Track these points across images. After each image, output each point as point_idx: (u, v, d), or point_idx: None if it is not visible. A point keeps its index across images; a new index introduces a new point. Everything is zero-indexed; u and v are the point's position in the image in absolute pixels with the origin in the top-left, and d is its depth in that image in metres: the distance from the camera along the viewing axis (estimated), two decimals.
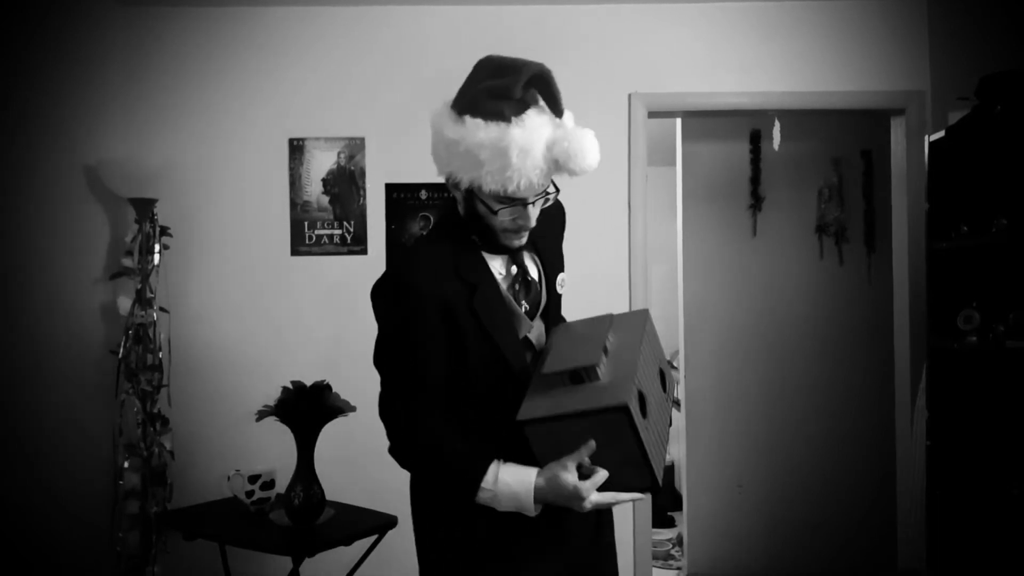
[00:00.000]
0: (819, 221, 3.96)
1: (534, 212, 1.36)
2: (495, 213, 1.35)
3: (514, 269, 1.44)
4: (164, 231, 3.10)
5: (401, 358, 1.38)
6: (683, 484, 4.02)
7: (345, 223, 3.25)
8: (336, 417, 2.46)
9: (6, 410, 2.57)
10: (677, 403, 4.07)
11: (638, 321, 1.42)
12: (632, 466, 1.26)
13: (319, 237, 3.25)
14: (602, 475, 1.26)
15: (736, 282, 3.97)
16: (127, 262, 3.03)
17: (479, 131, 1.29)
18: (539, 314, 1.48)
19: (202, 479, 3.09)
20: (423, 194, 3.24)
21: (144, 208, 3.01)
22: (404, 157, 3.24)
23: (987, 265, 2.60)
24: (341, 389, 2.52)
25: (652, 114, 3.30)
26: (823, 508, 3.87)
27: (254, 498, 2.61)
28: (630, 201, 3.24)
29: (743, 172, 3.98)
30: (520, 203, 1.33)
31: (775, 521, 3.90)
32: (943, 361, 2.66)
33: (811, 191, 3.97)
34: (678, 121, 4.00)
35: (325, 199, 3.25)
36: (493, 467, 1.30)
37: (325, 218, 3.25)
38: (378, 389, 1.47)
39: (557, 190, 1.39)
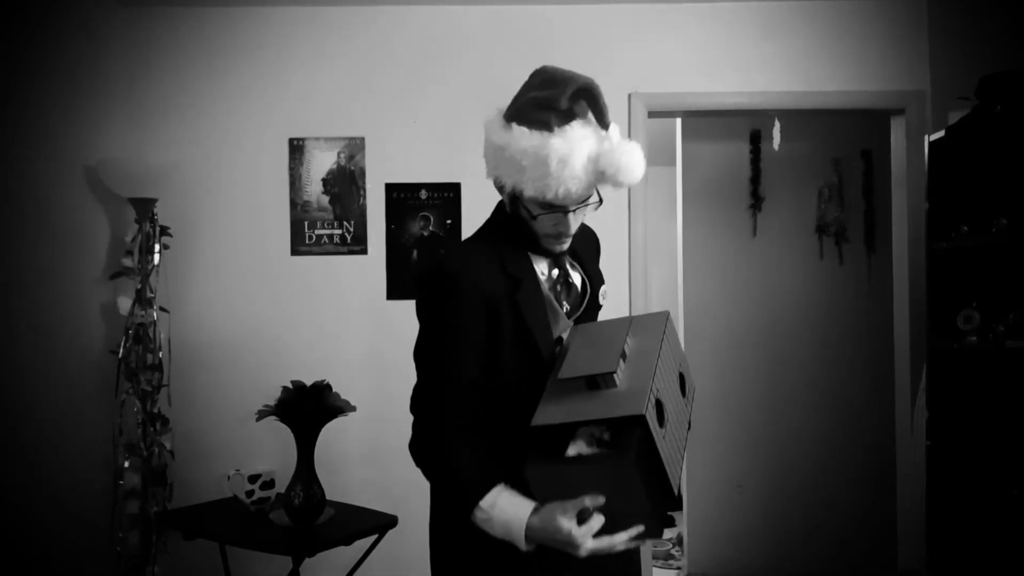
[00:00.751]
0: (819, 221, 3.96)
1: (575, 220, 1.40)
2: (535, 218, 1.39)
3: (556, 272, 1.48)
4: (164, 231, 3.10)
5: (437, 355, 1.40)
6: (683, 484, 4.02)
7: (345, 223, 3.25)
8: (336, 417, 2.46)
9: (6, 410, 2.57)
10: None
11: (658, 323, 1.40)
12: (655, 470, 1.24)
13: (319, 237, 3.25)
14: (598, 522, 1.23)
15: (736, 282, 3.97)
16: (127, 262, 3.03)
17: (523, 139, 1.33)
18: (575, 317, 1.50)
19: (202, 479, 3.09)
20: (423, 194, 3.24)
21: (144, 208, 3.01)
22: (404, 157, 3.24)
23: (987, 265, 2.60)
24: (341, 389, 2.52)
25: (652, 114, 3.30)
26: (823, 508, 3.87)
27: (254, 498, 2.61)
28: (630, 201, 3.24)
29: (743, 172, 3.98)
30: (560, 210, 1.37)
31: (775, 521, 3.90)
32: (943, 361, 2.66)
33: (811, 191, 3.97)
34: (678, 121, 4.00)
35: (325, 199, 3.25)
36: (495, 491, 1.30)
37: (325, 218, 3.25)
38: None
39: (600, 200, 1.42)
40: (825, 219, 3.95)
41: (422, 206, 3.24)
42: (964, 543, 2.53)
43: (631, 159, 1.33)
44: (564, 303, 1.47)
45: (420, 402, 1.42)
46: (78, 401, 2.93)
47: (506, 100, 1.42)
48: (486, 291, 1.37)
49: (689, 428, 1.42)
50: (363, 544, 2.56)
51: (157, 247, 3.06)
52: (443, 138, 3.24)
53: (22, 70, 2.69)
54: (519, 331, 1.38)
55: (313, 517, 2.43)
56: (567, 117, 1.34)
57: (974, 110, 2.52)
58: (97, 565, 2.99)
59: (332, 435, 2.57)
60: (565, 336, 1.45)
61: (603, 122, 1.37)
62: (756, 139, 3.94)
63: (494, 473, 1.32)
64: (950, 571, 2.58)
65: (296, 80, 3.25)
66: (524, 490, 1.30)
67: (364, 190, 3.25)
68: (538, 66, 1.50)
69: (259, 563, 2.70)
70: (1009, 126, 2.41)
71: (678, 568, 4.09)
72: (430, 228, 3.24)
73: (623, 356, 1.30)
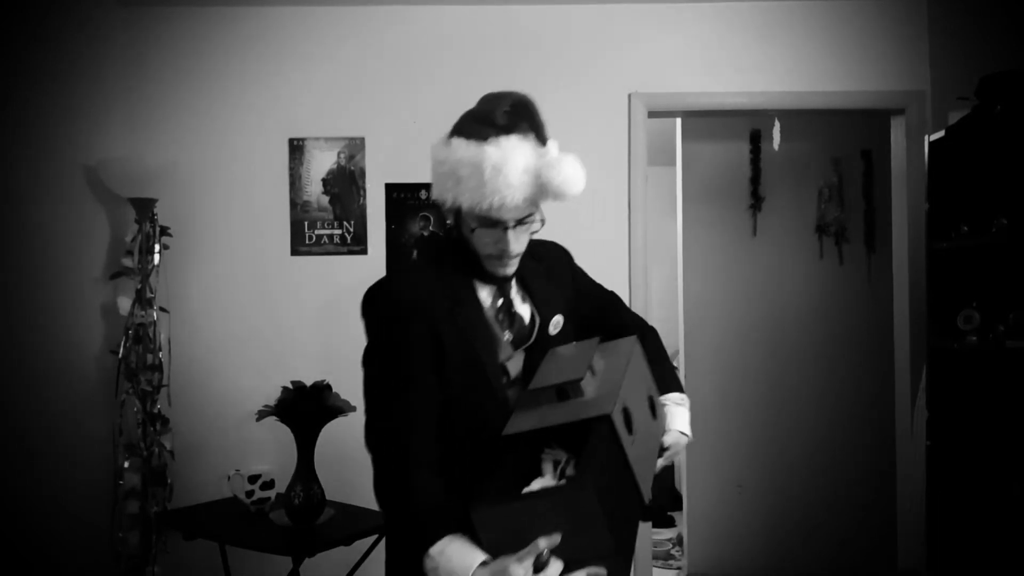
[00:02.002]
0: (819, 221, 3.96)
1: (515, 238, 1.36)
2: (473, 232, 1.37)
3: (500, 300, 1.44)
4: (164, 231, 3.10)
5: (390, 386, 1.36)
6: (683, 484, 4.02)
7: (345, 223, 3.25)
8: (336, 417, 2.46)
9: (6, 410, 2.57)
10: None
11: (626, 346, 1.41)
12: (622, 486, 1.21)
13: (319, 237, 3.25)
14: (556, 569, 1.14)
15: (736, 282, 3.97)
16: (127, 262, 3.03)
17: (460, 149, 1.34)
18: (525, 347, 1.45)
19: (202, 479, 3.09)
20: (423, 194, 3.24)
21: (144, 208, 3.01)
22: (404, 157, 3.24)
23: (987, 265, 2.60)
24: (341, 389, 2.52)
25: (652, 114, 3.30)
26: (823, 508, 3.87)
27: (254, 498, 2.61)
28: (630, 201, 3.24)
29: (743, 172, 3.98)
30: (500, 226, 1.34)
31: (775, 521, 3.90)
32: (943, 361, 2.66)
33: (811, 191, 3.97)
34: (678, 121, 4.00)
35: (325, 199, 3.25)
36: (447, 538, 1.23)
37: (325, 218, 3.25)
38: None
39: (542, 221, 1.39)
40: (825, 219, 3.95)
41: (422, 206, 3.24)
42: (964, 543, 2.53)
43: (569, 170, 1.31)
44: (507, 332, 1.43)
45: (376, 440, 1.37)
46: (78, 401, 2.93)
47: None
48: (427, 310, 1.36)
49: (661, 452, 1.42)
50: (363, 544, 2.56)
51: (157, 247, 3.06)
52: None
53: (22, 70, 2.69)
54: (462, 350, 1.36)
55: (313, 517, 2.43)
56: (504, 131, 1.33)
57: (974, 110, 2.52)
58: (97, 565, 2.99)
59: (332, 435, 2.57)
60: (510, 365, 1.43)
61: (541, 137, 1.36)
62: (756, 139, 3.94)
63: (451, 517, 1.25)
64: (950, 571, 2.58)
65: (296, 80, 3.25)
66: (497, 475, 1.26)
67: (364, 190, 3.25)
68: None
69: (259, 563, 2.70)
70: (1009, 126, 2.41)
71: (678, 568, 4.09)
72: (430, 228, 3.24)
73: (591, 370, 1.30)
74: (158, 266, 3.06)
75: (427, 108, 3.26)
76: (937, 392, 2.67)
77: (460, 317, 1.37)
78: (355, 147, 3.25)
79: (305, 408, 2.41)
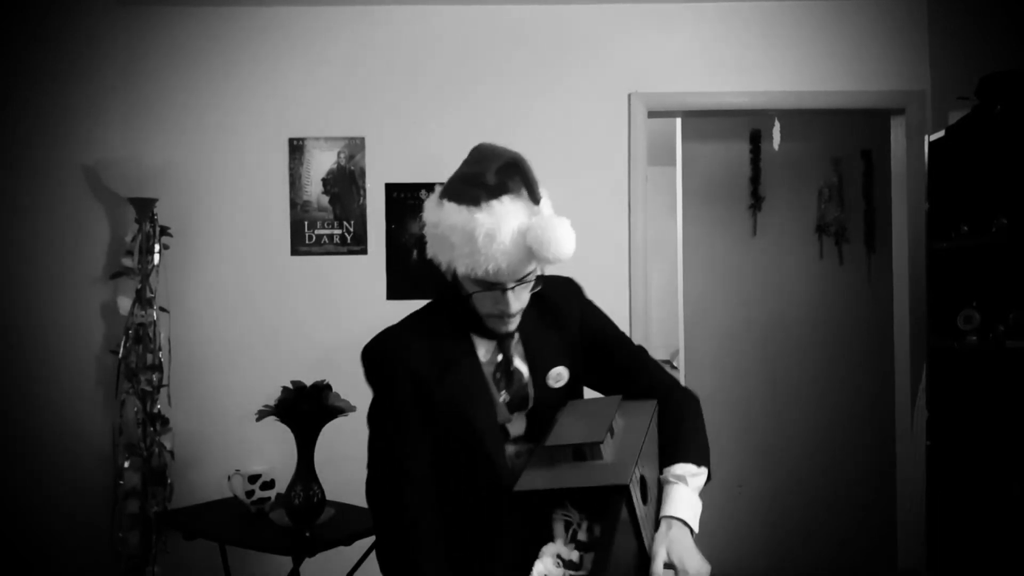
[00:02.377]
0: (819, 221, 3.96)
1: (515, 298, 1.34)
2: (470, 296, 1.35)
3: (499, 357, 1.41)
4: (164, 231, 3.10)
5: (385, 446, 1.38)
6: None
7: (345, 223, 3.25)
8: (336, 417, 2.46)
9: (6, 410, 2.57)
10: None
11: (646, 409, 1.38)
12: (630, 552, 1.18)
13: (319, 237, 3.25)
14: None
15: (736, 282, 3.97)
16: (127, 262, 3.03)
17: (452, 215, 1.31)
18: (525, 410, 1.43)
19: (202, 479, 3.09)
20: (423, 194, 3.23)
21: (144, 208, 3.01)
22: (404, 157, 3.24)
23: (987, 265, 2.60)
24: (341, 389, 2.52)
25: (652, 114, 3.29)
26: (823, 508, 3.87)
27: (254, 498, 2.61)
28: (630, 201, 3.24)
29: (743, 172, 3.98)
30: (498, 287, 1.32)
31: (775, 521, 3.90)
32: (943, 361, 2.65)
33: (811, 191, 3.97)
34: (678, 121, 3.99)
35: (325, 199, 3.25)
36: None
37: (325, 218, 3.25)
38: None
39: (539, 281, 1.37)
40: (825, 219, 3.95)
41: (422, 206, 3.22)
42: (964, 543, 2.53)
43: (558, 234, 1.27)
44: (503, 392, 1.40)
45: (378, 498, 1.39)
46: (78, 401, 2.93)
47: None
48: (414, 371, 1.35)
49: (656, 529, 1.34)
50: (363, 544, 2.56)
51: (157, 247, 3.06)
52: (443, 138, 3.24)
53: (22, 70, 2.69)
54: (454, 414, 1.35)
55: (313, 517, 2.43)
56: (496, 192, 1.30)
57: (974, 110, 2.52)
58: (97, 565, 2.99)
59: (332, 435, 2.57)
60: (510, 427, 1.41)
61: (534, 196, 1.33)
62: (756, 139, 3.94)
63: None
64: (950, 571, 2.58)
65: (296, 80, 3.25)
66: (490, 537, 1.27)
67: (364, 190, 3.25)
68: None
69: (259, 563, 2.71)
70: (1009, 126, 2.41)
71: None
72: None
73: (611, 431, 1.28)
74: (158, 266, 3.06)
75: (427, 108, 3.26)
76: (937, 392, 2.67)
77: (449, 382, 1.35)
78: (355, 147, 3.25)
79: (305, 408, 2.41)
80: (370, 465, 1.40)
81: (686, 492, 1.30)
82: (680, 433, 1.37)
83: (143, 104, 3.23)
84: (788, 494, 3.90)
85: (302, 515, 2.41)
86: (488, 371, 1.40)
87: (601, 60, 3.26)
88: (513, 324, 1.38)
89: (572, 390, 1.46)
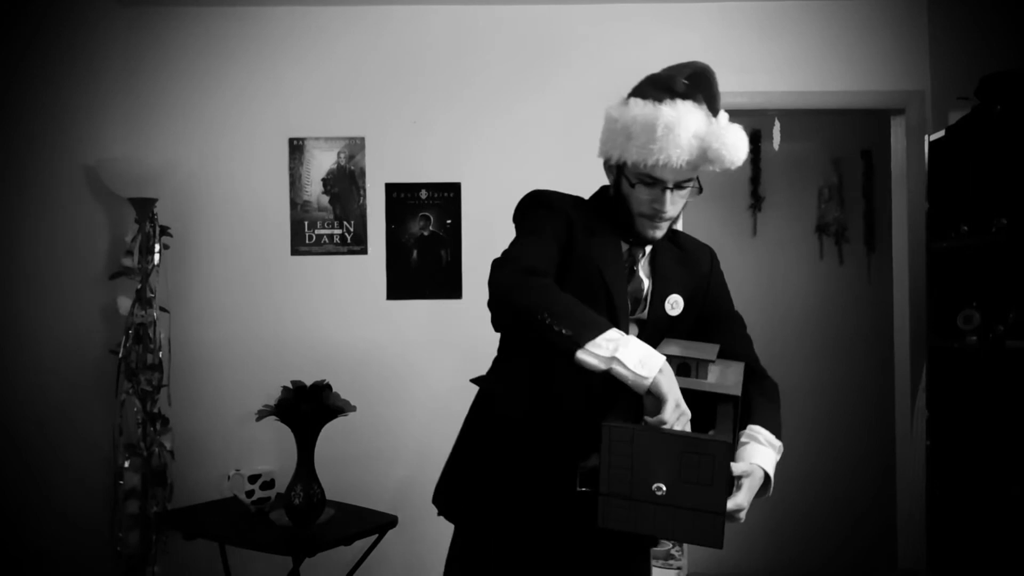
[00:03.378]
0: (819, 221, 3.96)
1: (671, 200, 1.41)
2: (634, 187, 1.41)
3: (627, 260, 1.49)
4: (164, 231, 3.10)
5: (520, 249, 1.40)
6: None
7: (345, 223, 3.25)
8: (336, 417, 2.46)
9: (6, 410, 2.56)
10: None
11: (739, 367, 1.42)
12: (714, 489, 1.17)
13: (319, 237, 3.25)
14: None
15: (736, 282, 3.91)
16: (127, 262, 3.03)
17: (636, 108, 1.40)
18: (637, 314, 1.48)
19: (202, 479, 3.09)
20: (423, 194, 3.24)
21: (144, 208, 3.01)
22: (404, 157, 3.24)
23: (987, 265, 2.60)
24: (341, 389, 2.52)
25: None
26: (823, 508, 3.87)
27: (254, 498, 2.61)
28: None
29: (743, 172, 3.98)
30: (659, 186, 1.39)
31: (775, 521, 3.90)
32: (943, 361, 2.65)
33: (811, 191, 3.97)
34: None
35: (325, 199, 3.25)
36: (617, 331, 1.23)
37: (325, 218, 3.25)
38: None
39: (700, 189, 1.45)
40: (825, 219, 3.95)
41: (422, 206, 3.24)
42: (964, 543, 2.53)
43: (736, 138, 1.36)
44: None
45: (502, 280, 1.34)
46: (78, 401, 2.93)
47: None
48: (570, 216, 1.44)
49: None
50: (363, 544, 2.57)
51: (157, 247, 3.06)
52: (443, 138, 3.24)
53: (22, 70, 2.68)
54: (588, 269, 1.41)
55: (313, 517, 2.43)
56: (681, 96, 1.38)
57: (974, 110, 2.52)
58: (97, 565, 2.99)
59: (332, 435, 2.57)
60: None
61: (714, 107, 1.40)
62: (756, 139, 3.94)
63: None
64: (950, 571, 2.58)
65: (296, 80, 3.25)
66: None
67: (364, 190, 3.25)
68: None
69: (259, 563, 2.71)
70: (1009, 126, 2.41)
71: (678, 568, 4.09)
72: (430, 228, 3.24)
73: (714, 363, 1.32)
74: (158, 266, 3.06)
75: (427, 108, 3.26)
76: (937, 392, 2.67)
77: (595, 244, 1.43)
78: (355, 147, 3.25)
79: (305, 408, 2.41)
80: (497, 265, 1.37)
81: (772, 457, 1.36)
82: (773, 411, 1.43)
83: (143, 104, 3.23)
84: (788, 494, 3.88)
85: (302, 515, 2.41)
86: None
87: (601, 60, 3.26)
88: (662, 230, 1.45)
89: (681, 326, 1.51)
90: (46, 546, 2.70)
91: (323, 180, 3.25)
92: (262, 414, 2.43)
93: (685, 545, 4.01)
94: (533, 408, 1.45)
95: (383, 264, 3.23)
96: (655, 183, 1.39)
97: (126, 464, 2.97)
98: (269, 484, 2.65)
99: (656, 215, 1.42)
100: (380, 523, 2.58)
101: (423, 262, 3.23)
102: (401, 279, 3.23)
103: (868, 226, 3.93)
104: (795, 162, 3.93)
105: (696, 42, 3.27)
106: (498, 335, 1.56)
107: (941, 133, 2.67)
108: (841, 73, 3.26)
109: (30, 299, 2.70)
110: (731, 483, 1.25)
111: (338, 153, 3.25)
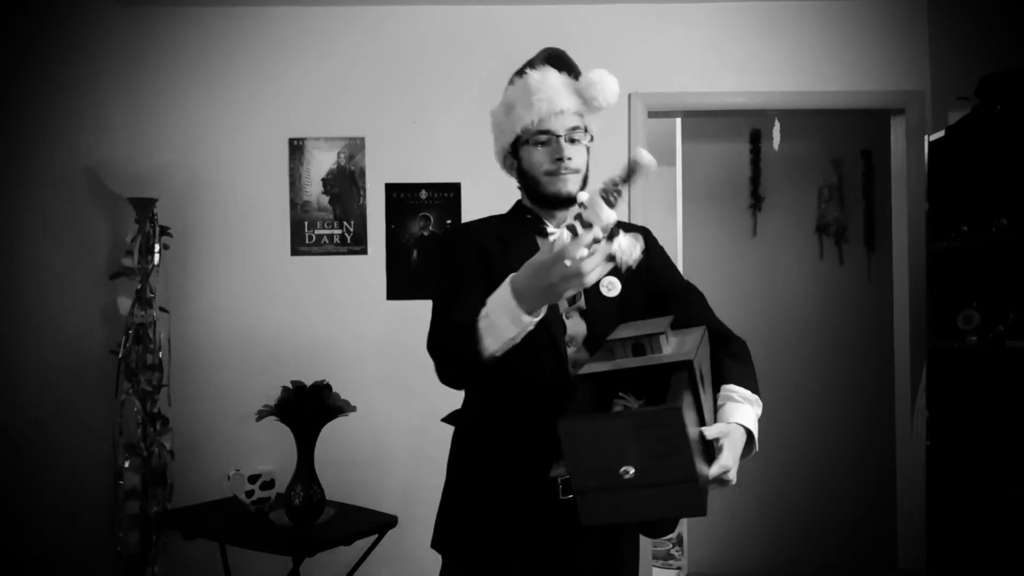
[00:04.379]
0: (819, 221, 3.96)
1: (569, 149, 1.48)
2: (535, 147, 1.49)
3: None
4: (164, 231, 3.10)
5: (441, 292, 1.47)
6: None
7: (345, 223, 3.25)
8: (336, 417, 2.46)
9: (6, 410, 2.56)
10: None
11: (697, 332, 1.42)
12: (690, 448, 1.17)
13: (319, 237, 3.25)
14: (590, 236, 1.13)
15: (736, 282, 3.97)
16: (127, 262, 3.03)
17: (509, 89, 1.55)
18: (575, 305, 1.48)
19: (202, 479, 3.09)
20: (423, 194, 3.24)
21: (144, 208, 3.01)
22: (404, 157, 3.24)
23: (987, 265, 2.60)
24: (341, 389, 2.52)
25: (652, 114, 3.30)
26: (823, 508, 3.87)
27: (254, 498, 2.61)
28: (630, 201, 3.24)
29: (743, 172, 3.98)
30: (553, 139, 1.48)
31: (775, 521, 3.90)
32: (943, 361, 2.66)
33: (811, 191, 3.97)
34: (678, 121, 3.99)
35: (325, 199, 3.25)
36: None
37: (325, 218, 3.25)
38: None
39: (591, 138, 1.54)
40: (825, 219, 3.95)
41: (422, 206, 3.24)
42: (964, 543, 2.53)
43: (603, 74, 1.50)
44: None
45: (438, 330, 1.43)
46: (78, 401, 2.93)
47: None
48: (481, 243, 1.48)
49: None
50: (363, 544, 2.57)
51: (157, 247, 3.06)
52: (443, 138, 3.24)
53: (22, 70, 2.68)
54: (508, 271, 1.36)
55: (313, 517, 2.43)
56: (542, 66, 1.53)
57: (974, 110, 2.52)
58: (97, 565, 2.99)
59: (332, 435, 2.57)
60: (569, 324, 1.47)
61: (574, 74, 1.54)
62: (756, 139, 3.94)
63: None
64: (950, 571, 2.58)
65: (296, 80, 3.25)
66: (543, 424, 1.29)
67: (364, 190, 3.25)
68: None
69: (259, 563, 2.71)
70: (1009, 126, 2.41)
71: (678, 568, 4.09)
72: (430, 228, 3.23)
73: (665, 336, 1.31)
74: (158, 266, 3.06)
75: (427, 108, 3.26)
76: (937, 392, 2.67)
77: (512, 257, 1.43)
78: (355, 147, 3.25)
79: (305, 408, 2.41)
80: (433, 320, 1.46)
81: (751, 412, 1.36)
82: (745, 369, 1.45)
83: (143, 104, 3.23)
84: (788, 494, 3.90)
85: (302, 515, 2.41)
86: None
87: (601, 60, 3.23)
88: (570, 182, 1.50)
89: (632, 311, 1.50)
90: (46, 546, 2.70)
91: (323, 180, 3.25)
92: (262, 414, 2.43)
93: (685, 545, 4.02)
94: (502, 433, 1.46)
95: (383, 264, 3.23)
96: (548, 138, 1.48)
97: (126, 464, 2.97)
98: (269, 484, 2.65)
99: (558, 167, 1.48)
100: (380, 523, 2.58)
101: (423, 262, 3.22)
102: (401, 279, 3.22)
103: (868, 226, 3.93)
104: (795, 162, 3.93)
105: (696, 42, 3.28)
106: None
107: (941, 133, 2.67)
108: (841, 73, 3.27)
109: (30, 299, 2.70)
110: (708, 448, 1.25)
111: (338, 153, 3.25)
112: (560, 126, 1.48)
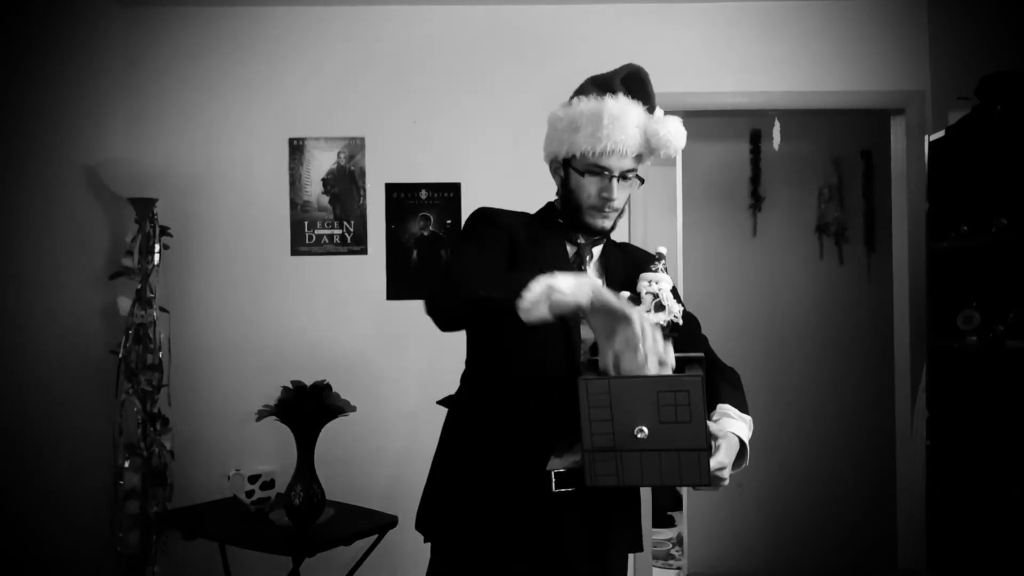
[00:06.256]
0: (819, 221, 3.96)
1: (619, 189, 1.49)
2: (583, 176, 1.48)
3: (576, 261, 1.54)
4: (164, 231, 3.10)
5: (461, 257, 1.47)
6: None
7: (345, 223, 3.25)
8: (336, 417, 2.46)
9: (6, 410, 2.56)
10: None
11: (696, 358, 1.42)
12: (693, 440, 1.19)
13: (319, 237, 3.25)
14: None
15: (736, 282, 3.97)
16: (127, 262, 3.03)
17: (582, 104, 1.50)
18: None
19: (202, 479, 3.09)
20: (423, 194, 3.24)
21: (144, 208, 3.01)
22: (404, 157, 3.24)
23: (987, 265, 2.60)
24: (341, 389, 2.52)
25: None
26: (823, 508, 3.87)
27: (254, 498, 2.61)
28: (630, 201, 3.23)
29: (743, 172, 3.98)
30: (607, 176, 1.47)
31: (775, 521, 3.90)
32: (943, 361, 2.65)
33: (811, 191, 3.97)
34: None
35: (325, 199, 3.25)
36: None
37: (325, 218, 3.25)
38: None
39: (641, 181, 1.53)
40: (825, 219, 3.95)
41: (422, 206, 3.24)
42: (964, 543, 2.53)
43: (675, 126, 1.49)
44: None
45: (439, 289, 1.38)
46: (78, 401, 2.93)
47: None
48: (512, 234, 1.48)
49: None
50: (363, 544, 2.57)
51: (157, 247, 3.06)
52: (443, 138, 3.24)
53: (22, 70, 2.68)
54: (533, 269, 1.38)
55: (313, 517, 2.43)
56: (623, 91, 1.50)
57: (974, 110, 2.52)
58: (97, 565, 2.99)
59: (332, 435, 2.57)
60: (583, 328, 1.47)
61: (650, 105, 1.52)
62: (756, 139, 3.94)
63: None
64: (950, 571, 2.58)
65: (296, 80, 3.25)
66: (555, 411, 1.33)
67: (364, 190, 3.25)
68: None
69: (259, 563, 2.70)
70: (1009, 126, 2.41)
71: (678, 568, 4.09)
72: (430, 228, 3.24)
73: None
74: (158, 266, 3.06)
75: (427, 108, 3.26)
76: (937, 392, 2.67)
77: (538, 254, 1.47)
78: (355, 147, 3.25)
79: (305, 408, 2.41)
80: (453, 259, 1.51)
81: (744, 427, 1.44)
82: (739, 394, 1.54)
83: (143, 104, 3.23)
84: (788, 494, 3.90)
85: (302, 515, 2.41)
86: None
87: (601, 60, 3.23)
88: (610, 220, 1.52)
89: None
90: (46, 546, 2.70)
91: (323, 180, 3.25)
92: (262, 414, 2.43)
93: (685, 545, 4.02)
94: (511, 415, 1.46)
95: (383, 264, 3.23)
96: (602, 173, 1.47)
97: (126, 464, 2.97)
98: (269, 484, 2.65)
99: (604, 204, 1.49)
100: (380, 523, 2.58)
101: (423, 262, 3.23)
102: (401, 279, 3.23)
103: (868, 226, 3.93)
104: (795, 162, 3.93)
105: (696, 42, 3.28)
106: None
107: (941, 133, 2.67)
108: (841, 73, 3.26)
109: (30, 299, 2.70)
110: (710, 436, 1.28)
111: (338, 153, 3.25)
112: (618, 167, 1.48)
